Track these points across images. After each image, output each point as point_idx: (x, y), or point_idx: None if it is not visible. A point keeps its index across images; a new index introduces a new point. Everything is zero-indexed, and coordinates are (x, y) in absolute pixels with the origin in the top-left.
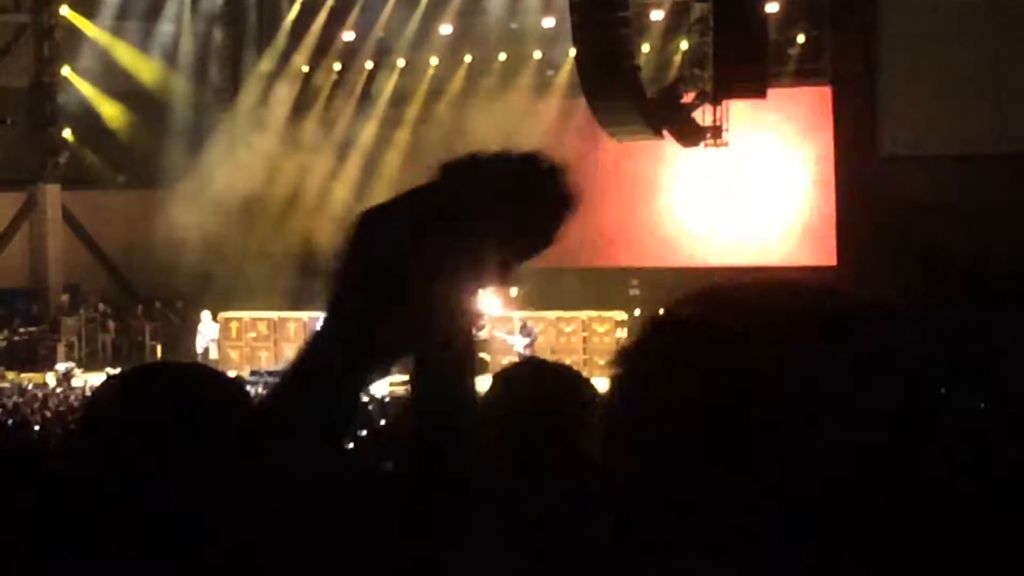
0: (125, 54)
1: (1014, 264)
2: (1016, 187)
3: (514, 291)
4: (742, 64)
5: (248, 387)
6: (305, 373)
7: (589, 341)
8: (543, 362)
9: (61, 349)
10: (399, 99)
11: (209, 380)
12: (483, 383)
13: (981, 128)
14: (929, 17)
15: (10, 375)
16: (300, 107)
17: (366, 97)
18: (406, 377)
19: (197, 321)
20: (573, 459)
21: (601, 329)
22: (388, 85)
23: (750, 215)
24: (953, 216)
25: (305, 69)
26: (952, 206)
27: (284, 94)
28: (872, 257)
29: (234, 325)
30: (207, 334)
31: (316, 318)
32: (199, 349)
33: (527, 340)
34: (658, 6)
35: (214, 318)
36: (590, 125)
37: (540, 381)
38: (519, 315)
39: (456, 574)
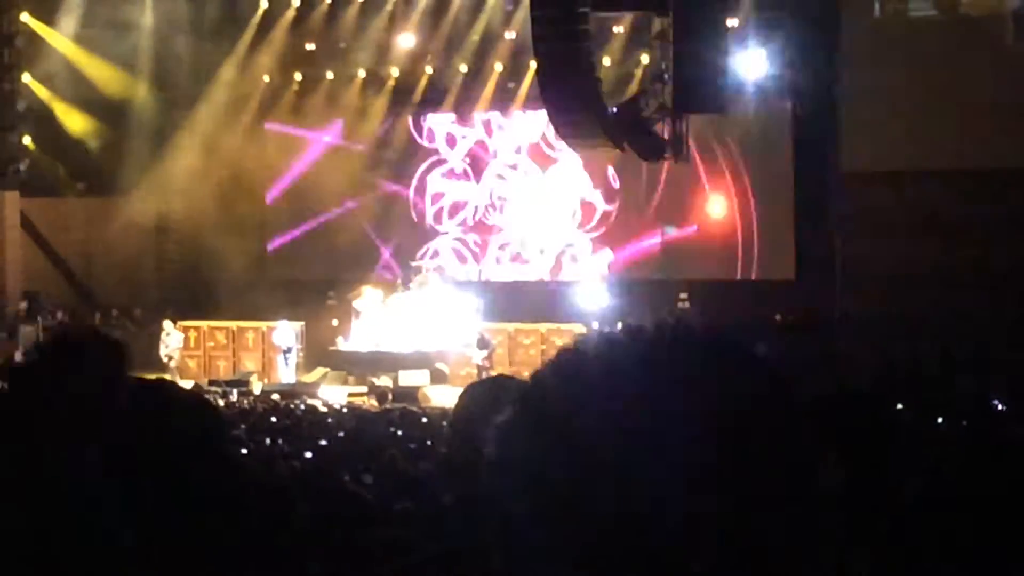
0: (86, 61)
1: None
2: (976, 202)
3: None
4: (701, 78)
5: (207, 395)
6: None
7: (547, 353)
8: (508, 377)
9: (18, 357)
10: (360, 108)
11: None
12: (446, 394)
13: (941, 144)
14: (889, 33)
15: None
16: (262, 115)
17: (329, 105)
18: (364, 388)
19: (158, 329)
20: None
21: (559, 342)
22: (351, 94)
23: (707, 229)
24: (914, 232)
25: (267, 79)
26: (912, 222)
27: (246, 102)
28: (830, 272)
29: (192, 334)
30: (171, 343)
31: (274, 327)
32: (163, 357)
33: (485, 352)
34: (619, 19)
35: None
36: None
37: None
38: (477, 327)
39: None
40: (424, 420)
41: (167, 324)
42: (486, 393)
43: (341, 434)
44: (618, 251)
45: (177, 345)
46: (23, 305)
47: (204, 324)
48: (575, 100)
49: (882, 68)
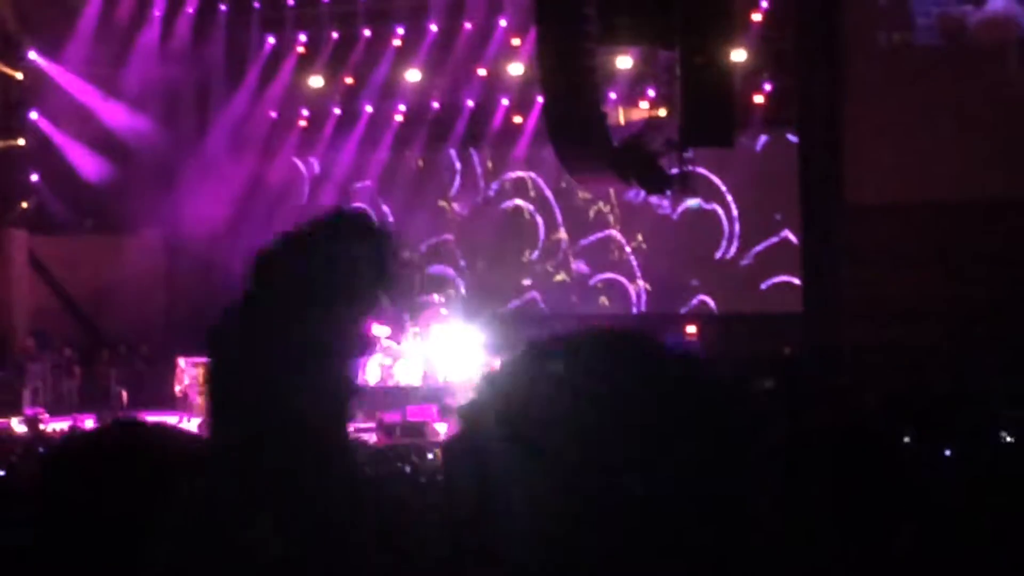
0: (92, 98)
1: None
2: (983, 233)
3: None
4: (708, 112)
5: None
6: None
7: None
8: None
9: (26, 395)
10: (366, 145)
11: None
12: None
13: (947, 175)
14: (894, 64)
15: None
16: (269, 151)
17: (335, 141)
18: (371, 424)
19: (167, 366)
20: None
21: None
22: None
23: (716, 263)
24: (920, 264)
25: (273, 115)
26: (918, 254)
27: (253, 138)
28: (838, 304)
29: (201, 370)
30: (185, 380)
31: None
32: (178, 393)
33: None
34: (625, 53)
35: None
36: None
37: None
38: (484, 360)
39: None
40: (431, 456)
41: (182, 361)
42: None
43: None
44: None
45: (189, 381)
46: (31, 342)
47: None
48: (581, 134)
49: (887, 99)
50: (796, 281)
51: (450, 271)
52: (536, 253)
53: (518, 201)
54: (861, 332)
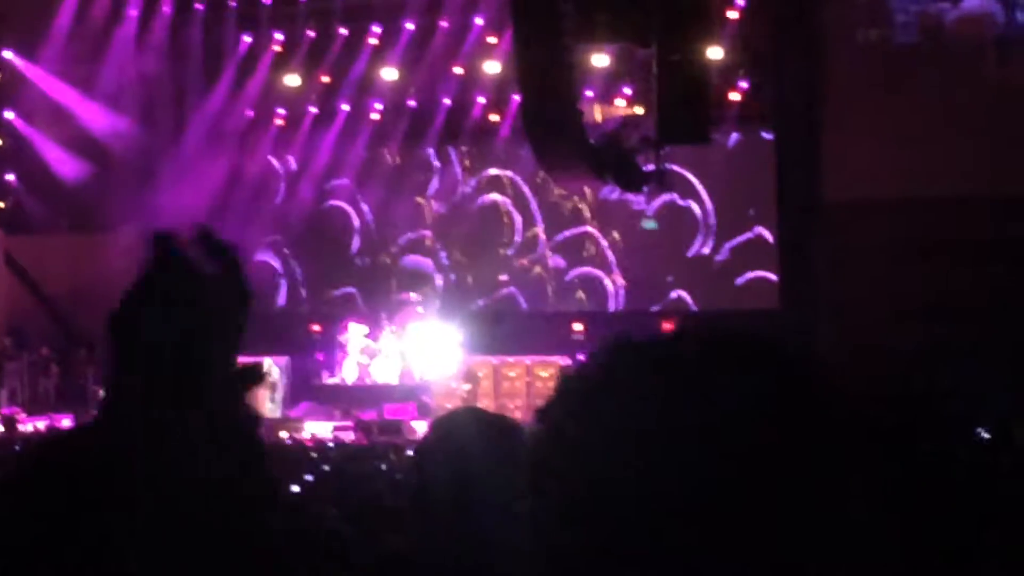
0: (68, 97)
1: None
2: (963, 230)
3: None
4: (685, 110)
5: None
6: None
7: (532, 386)
8: (480, 410)
9: (3, 394)
10: (343, 143)
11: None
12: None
13: (926, 172)
14: (872, 61)
15: None
16: (246, 149)
17: (310, 141)
18: (349, 422)
19: None
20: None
21: (544, 374)
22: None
23: (692, 259)
24: (895, 261)
25: (250, 113)
26: (896, 252)
27: (230, 136)
28: (814, 303)
29: None
30: None
31: (258, 362)
32: None
33: (469, 385)
34: (601, 51)
35: None
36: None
37: (479, 428)
38: (462, 359)
39: None
40: (409, 453)
41: None
42: (453, 426)
43: (326, 468)
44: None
45: None
46: (7, 341)
47: None
48: (558, 132)
49: (865, 96)
50: (772, 277)
51: (428, 267)
52: (512, 249)
53: (495, 195)
54: (838, 331)
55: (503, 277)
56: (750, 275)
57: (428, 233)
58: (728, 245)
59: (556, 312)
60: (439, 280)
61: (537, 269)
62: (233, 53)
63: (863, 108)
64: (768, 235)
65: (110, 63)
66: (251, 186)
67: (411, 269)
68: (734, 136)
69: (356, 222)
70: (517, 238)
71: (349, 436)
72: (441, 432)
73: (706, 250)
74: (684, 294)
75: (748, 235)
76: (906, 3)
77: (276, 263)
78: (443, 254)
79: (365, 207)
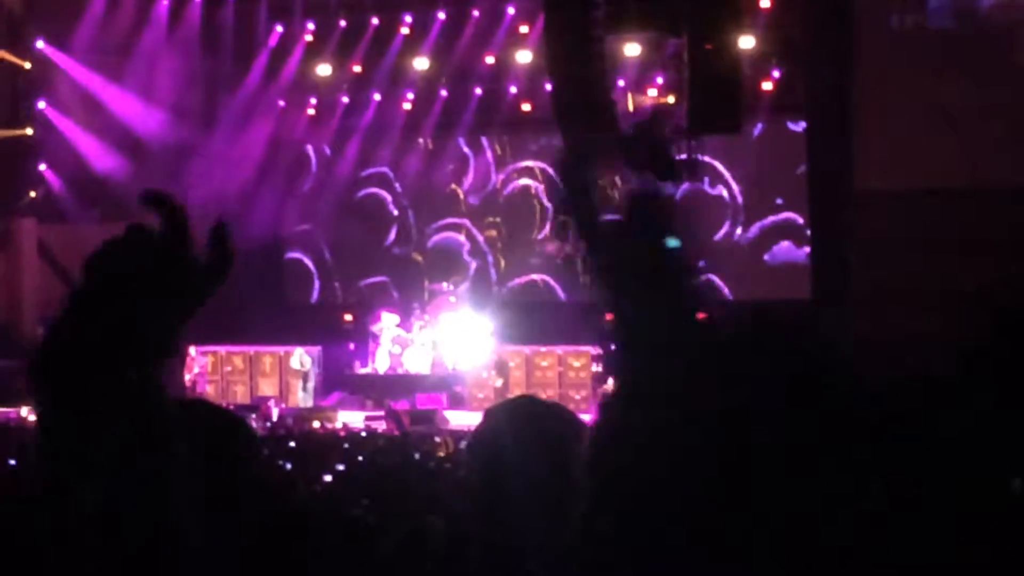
0: (100, 87)
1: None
2: (996, 220)
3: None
4: (716, 99)
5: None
6: None
7: (565, 375)
8: (534, 398)
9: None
10: (375, 133)
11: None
12: (463, 416)
13: (960, 161)
14: (906, 47)
15: None
16: (278, 139)
17: (342, 130)
18: (381, 412)
19: (180, 355)
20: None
21: (577, 363)
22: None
23: (728, 249)
24: (929, 251)
25: (282, 103)
26: (927, 241)
27: (262, 126)
28: (845, 292)
29: (209, 359)
30: (196, 368)
31: (291, 352)
32: (188, 382)
33: (501, 380)
34: (633, 41)
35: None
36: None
37: (534, 416)
38: (492, 349)
39: None
40: (439, 441)
41: (192, 350)
42: (507, 416)
43: (360, 458)
44: None
45: (199, 370)
46: (40, 331)
47: (221, 349)
48: (589, 121)
49: (899, 84)
50: (802, 264)
51: (461, 256)
52: (544, 236)
53: (526, 181)
54: (870, 321)
55: (534, 261)
56: (781, 259)
57: (462, 222)
58: (758, 225)
59: (589, 301)
60: (472, 269)
61: (569, 257)
62: (265, 43)
63: (897, 95)
64: (799, 219)
65: (142, 53)
66: (283, 176)
67: (444, 259)
68: (759, 126)
69: (394, 211)
70: (549, 226)
71: (381, 425)
72: (492, 421)
73: (735, 236)
74: (715, 279)
75: (776, 218)
76: None
77: (308, 255)
78: (477, 242)
79: (399, 196)
